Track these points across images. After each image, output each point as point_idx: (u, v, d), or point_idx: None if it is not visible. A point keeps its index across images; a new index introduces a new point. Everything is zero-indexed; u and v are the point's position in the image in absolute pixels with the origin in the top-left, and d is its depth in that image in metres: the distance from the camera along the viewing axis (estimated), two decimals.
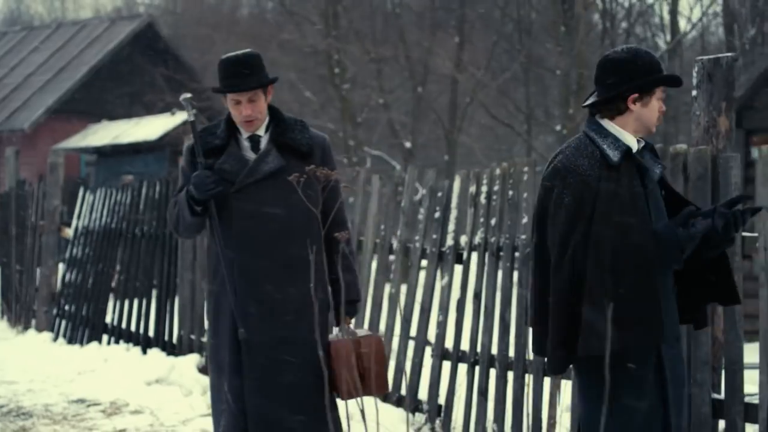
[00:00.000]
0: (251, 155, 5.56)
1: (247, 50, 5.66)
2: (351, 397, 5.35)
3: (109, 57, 30.32)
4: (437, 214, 7.86)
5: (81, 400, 9.32)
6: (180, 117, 23.88)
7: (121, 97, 30.41)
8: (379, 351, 5.51)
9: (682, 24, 31.00)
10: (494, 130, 28.39)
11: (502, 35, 27.67)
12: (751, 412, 5.62)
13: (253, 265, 5.47)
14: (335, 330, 5.64)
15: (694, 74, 5.92)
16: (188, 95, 5.64)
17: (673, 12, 28.81)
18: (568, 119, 21.97)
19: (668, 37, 29.22)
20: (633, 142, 4.65)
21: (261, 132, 5.59)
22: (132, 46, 31.06)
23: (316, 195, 5.46)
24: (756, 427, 5.62)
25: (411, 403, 7.86)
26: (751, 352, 6.07)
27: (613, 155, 4.55)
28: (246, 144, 5.59)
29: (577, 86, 21.97)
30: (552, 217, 4.56)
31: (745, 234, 5.69)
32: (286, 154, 5.54)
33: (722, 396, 5.71)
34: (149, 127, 24.33)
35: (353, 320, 5.77)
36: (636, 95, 4.68)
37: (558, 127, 23.15)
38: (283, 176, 5.35)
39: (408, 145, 26.67)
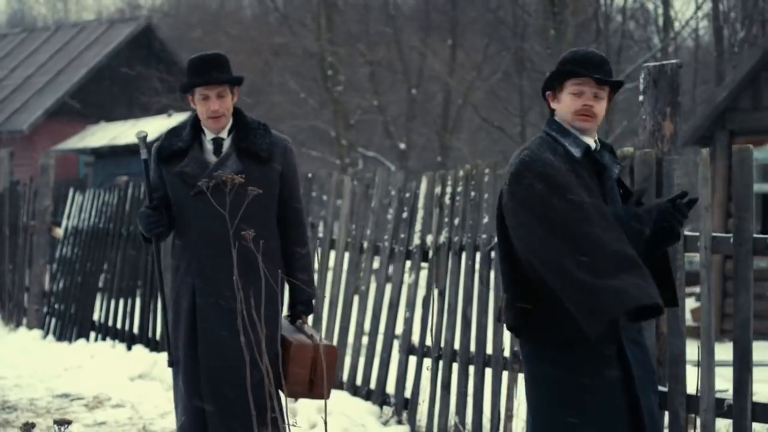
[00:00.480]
0: (212, 158, 5.74)
1: (217, 51, 5.92)
2: (295, 396, 5.63)
3: (107, 59, 30.58)
4: (405, 215, 8.12)
5: (65, 395, 9.60)
6: (176, 118, 24.14)
7: (119, 99, 30.66)
8: (332, 360, 5.70)
9: (677, 25, 31.20)
10: (489, 132, 28.65)
11: (495, 38, 27.90)
12: (692, 404, 5.89)
13: (210, 266, 5.67)
14: (285, 324, 5.84)
15: (641, 80, 6.18)
16: (143, 133, 5.80)
17: (666, 13, 29.05)
18: None
19: (661, 37, 29.47)
20: (590, 141, 4.69)
21: (224, 135, 5.75)
22: (130, 48, 31.32)
23: (273, 199, 5.75)
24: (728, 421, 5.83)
25: (379, 397, 8.14)
26: (760, 351, 6.26)
27: (575, 151, 4.63)
28: (209, 147, 5.76)
29: None
30: (522, 203, 4.52)
31: (687, 233, 5.96)
32: (246, 159, 5.71)
33: (666, 388, 5.97)
34: (146, 129, 24.45)
35: (309, 318, 5.97)
36: (549, 92, 4.76)
37: None
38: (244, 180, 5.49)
39: (402, 146, 26.95)
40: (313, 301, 6.01)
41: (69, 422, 2.97)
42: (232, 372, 5.59)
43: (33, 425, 2.81)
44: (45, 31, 34.47)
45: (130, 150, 23.83)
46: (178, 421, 5.84)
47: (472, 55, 27.70)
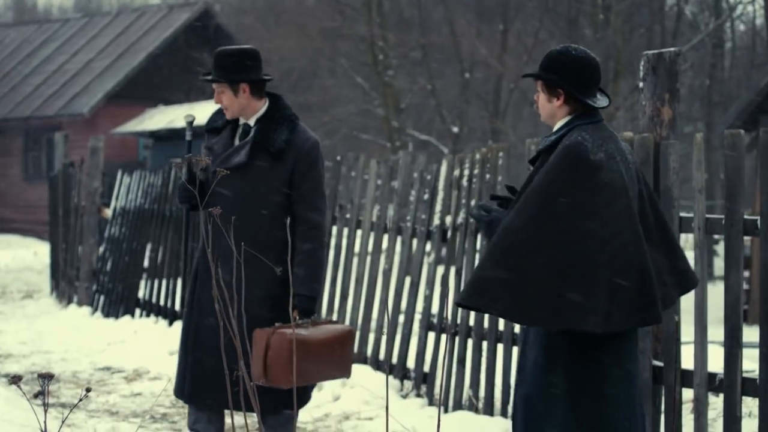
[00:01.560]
0: (237, 142, 6.09)
1: (244, 46, 6.28)
2: (256, 380, 5.71)
3: (165, 43, 31.12)
4: (426, 196, 8.44)
5: (107, 368, 10.04)
6: None
7: (177, 83, 31.14)
8: (283, 349, 5.77)
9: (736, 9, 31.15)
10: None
11: (546, 22, 27.98)
12: (687, 379, 6.16)
13: (215, 246, 5.81)
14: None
15: (641, 67, 6.46)
16: (191, 117, 6.23)
17: None
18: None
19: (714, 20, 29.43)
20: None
21: (252, 122, 6.07)
22: (188, 32, 31.80)
23: (277, 194, 6.02)
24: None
25: (400, 371, 8.48)
26: None
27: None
28: (240, 131, 6.11)
29: (614, 74, 22.40)
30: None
31: (682, 215, 6.24)
32: (259, 151, 6.00)
33: (661, 363, 6.25)
34: (202, 112, 24.89)
35: (297, 312, 6.04)
36: None
37: None
38: (249, 171, 5.96)
39: (455, 130, 27.15)
40: (310, 299, 6.07)
41: (51, 375, 3.29)
42: (212, 346, 5.90)
43: (20, 378, 3.12)
44: (106, 16, 35.07)
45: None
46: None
47: (524, 39, 27.84)
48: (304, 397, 6.21)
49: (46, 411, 3.33)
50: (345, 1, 27.45)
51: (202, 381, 6.05)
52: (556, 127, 4.84)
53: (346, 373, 6.15)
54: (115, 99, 29.73)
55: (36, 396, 3.22)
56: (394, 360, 8.62)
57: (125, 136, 28.59)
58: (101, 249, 13.47)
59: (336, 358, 6.00)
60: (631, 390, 4.80)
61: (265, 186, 5.99)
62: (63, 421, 3.69)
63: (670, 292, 4.89)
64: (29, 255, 23.98)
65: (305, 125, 6.20)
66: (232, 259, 5.92)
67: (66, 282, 14.28)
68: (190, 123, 6.24)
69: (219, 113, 6.20)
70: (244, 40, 32.70)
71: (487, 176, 7.74)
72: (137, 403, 8.61)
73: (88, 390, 3.32)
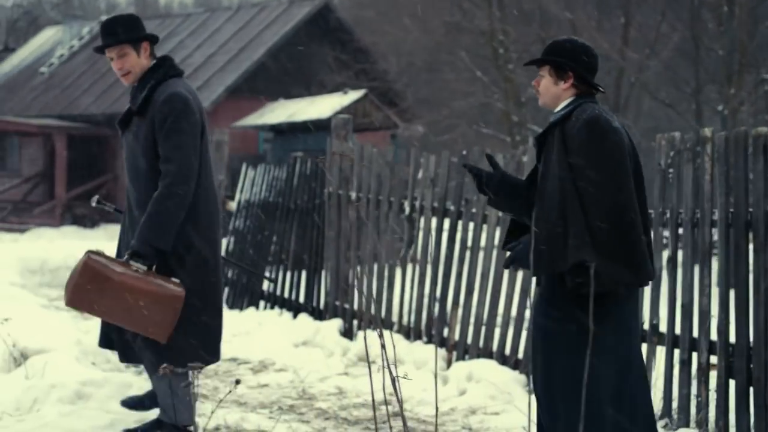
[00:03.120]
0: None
1: (116, 14, 6.66)
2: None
3: (286, 38, 31.36)
4: None
5: (233, 359, 10.17)
6: (351, 96, 24.72)
7: (296, 77, 31.38)
8: (82, 268, 6.20)
9: None
10: (662, 110, 28.40)
11: (668, 15, 27.62)
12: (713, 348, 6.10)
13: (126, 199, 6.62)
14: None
15: None
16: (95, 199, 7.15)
17: None
18: (729, 99, 22.05)
19: None
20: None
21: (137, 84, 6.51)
22: (308, 27, 32.00)
23: (146, 152, 6.35)
24: None
25: (526, 366, 8.45)
26: None
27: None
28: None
29: (738, 67, 22.03)
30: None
31: None
32: (131, 113, 6.45)
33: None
34: (322, 106, 25.17)
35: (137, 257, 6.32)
36: None
37: (720, 107, 23.19)
38: (128, 133, 6.45)
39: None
40: (146, 245, 6.27)
41: (201, 366, 3.37)
42: None
43: (238, 381, 3.21)
44: (227, 11, 35.49)
45: (307, 127, 24.40)
46: None
47: (645, 32, 27.51)
48: (185, 353, 6.31)
49: (194, 402, 3.40)
50: None
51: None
52: (560, 107, 5.28)
53: (160, 335, 6.25)
54: (236, 93, 30.05)
55: (186, 386, 3.29)
56: (520, 355, 8.60)
57: (245, 130, 28.88)
58: (225, 241, 13.64)
59: (143, 311, 6.16)
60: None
61: (139, 146, 6.34)
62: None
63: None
64: None
65: (185, 82, 6.52)
66: (129, 222, 6.57)
67: None
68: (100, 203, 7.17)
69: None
70: (364, 34, 32.85)
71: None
72: (264, 395, 8.71)
73: (238, 382, 3.40)
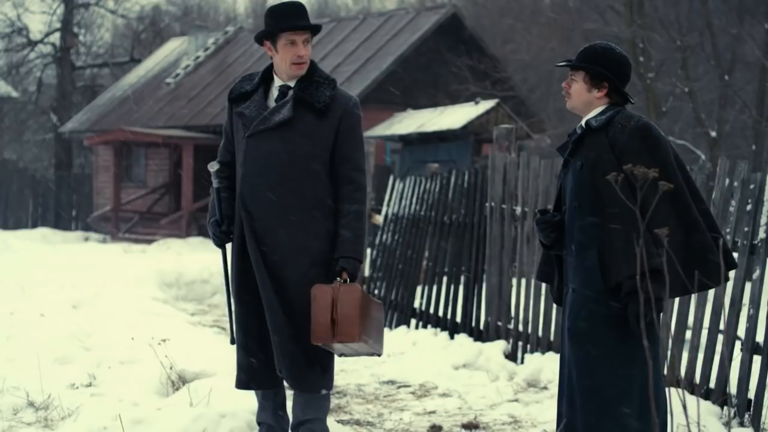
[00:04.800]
0: (273, 104, 5.98)
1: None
2: (320, 341, 5.72)
3: (413, 47, 30.90)
4: (749, 207, 7.75)
5: (391, 382, 9.66)
6: (484, 106, 24.17)
7: (424, 87, 30.94)
8: (354, 299, 5.71)
9: None
10: None
11: None
12: None
13: (253, 206, 5.91)
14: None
15: None
16: (215, 167, 6.04)
17: None
18: None
19: None
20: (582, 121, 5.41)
21: (292, 83, 5.98)
22: (436, 36, 31.53)
23: (323, 152, 5.90)
24: None
25: (719, 396, 7.80)
26: None
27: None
28: (275, 93, 6.02)
29: None
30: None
31: None
32: (302, 108, 5.89)
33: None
34: (453, 116, 24.66)
35: (346, 275, 5.91)
36: None
37: None
38: (292, 128, 5.85)
39: (713, 134, 26.10)
40: (356, 261, 5.95)
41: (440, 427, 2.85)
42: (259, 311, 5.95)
43: (440, 428, 2.69)
44: (353, 21, 35.16)
45: (438, 137, 24.00)
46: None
47: None
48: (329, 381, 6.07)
49: None
50: (607, 2, 26.77)
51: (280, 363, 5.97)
52: (592, 114, 5.29)
53: (381, 349, 6.08)
54: (364, 103, 29.46)
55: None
56: (712, 384, 7.95)
57: (374, 140, 28.50)
58: (371, 256, 13.19)
59: (378, 326, 5.99)
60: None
61: (311, 143, 5.88)
62: None
63: None
64: None
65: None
66: (278, 223, 5.86)
67: None
68: (216, 172, 6.06)
69: (245, 80, 6.11)
70: (499, 43, 32.30)
71: None
72: (433, 422, 8.17)
73: None
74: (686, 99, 26.13)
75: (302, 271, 5.85)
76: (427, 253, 11.97)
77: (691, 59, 26.96)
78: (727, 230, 7.91)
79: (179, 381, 7.94)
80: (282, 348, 5.86)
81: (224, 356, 8.55)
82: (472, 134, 23.04)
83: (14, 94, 45.69)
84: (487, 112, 23.59)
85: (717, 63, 25.98)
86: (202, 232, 30.00)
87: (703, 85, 28.36)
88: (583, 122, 5.37)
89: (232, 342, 6.15)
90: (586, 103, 5.35)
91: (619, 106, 5.33)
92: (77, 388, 8.21)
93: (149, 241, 28.88)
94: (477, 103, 24.71)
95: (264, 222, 5.89)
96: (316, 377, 5.97)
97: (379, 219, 13.27)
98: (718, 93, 27.17)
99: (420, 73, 31.26)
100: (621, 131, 5.13)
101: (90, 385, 8.30)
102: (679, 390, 8.08)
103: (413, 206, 12.28)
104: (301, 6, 6.01)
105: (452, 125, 23.70)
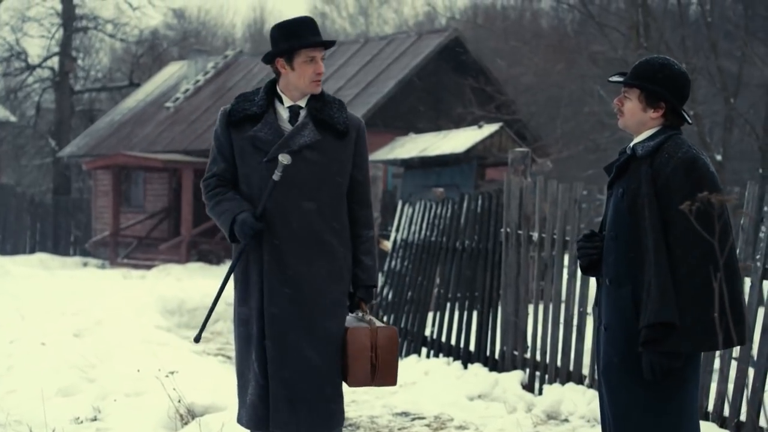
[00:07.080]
0: (287, 126, 5.65)
1: (306, 15, 5.81)
2: (358, 385, 5.46)
3: (415, 71, 30.68)
4: None
5: (405, 413, 9.35)
6: (487, 130, 23.93)
7: (426, 110, 30.74)
8: (393, 344, 5.47)
9: None
10: None
11: None
12: None
13: (279, 236, 5.53)
14: (350, 315, 5.68)
15: None
16: (287, 158, 5.55)
17: None
18: None
19: None
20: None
21: (302, 103, 5.68)
22: (438, 59, 31.34)
23: (346, 175, 5.64)
24: None
25: (750, 430, 7.50)
26: None
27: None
28: (284, 115, 5.68)
29: None
30: None
31: None
32: (322, 130, 5.60)
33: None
34: (456, 140, 24.45)
35: (367, 306, 5.74)
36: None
37: None
38: (317, 150, 5.54)
39: (719, 157, 25.86)
40: (374, 290, 5.74)
41: None
42: (295, 355, 5.50)
43: None
44: (354, 44, 34.97)
45: (440, 161, 23.79)
46: (243, 395, 5.71)
47: None
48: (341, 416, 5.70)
49: None
50: (611, 25, 26.57)
51: (291, 405, 5.51)
52: (644, 136, 4.97)
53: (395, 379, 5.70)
54: (365, 127, 29.40)
55: None
56: (743, 417, 7.65)
57: (375, 164, 28.25)
58: (381, 282, 12.91)
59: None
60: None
61: (337, 165, 5.60)
62: None
63: None
64: None
65: None
66: (309, 251, 5.52)
67: None
68: (282, 164, 5.61)
69: (244, 101, 5.72)
70: (501, 66, 32.06)
71: None
72: None
73: None
74: (691, 122, 25.91)
75: (337, 301, 5.56)
76: (438, 280, 11.67)
77: (697, 82, 26.76)
78: (757, 257, 7.63)
79: (188, 415, 7.65)
80: (298, 393, 5.48)
81: (234, 388, 8.24)
82: (476, 158, 22.82)
83: (12, 118, 45.42)
84: (491, 136, 23.39)
85: (723, 86, 25.78)
86: (201, 258, 29.72)
87: (708, 108, 28.17)
88: (631, 144, 5.04)
89: (196, 340, 5.79)
90: (639, 123, 5.01)
91: (673, 129, 4.97)
92: (82, 422, 7.92)
93: (148, 267, 28.60)
94: (480, 126, 24.51)
95: (296, 250, 5.53)
96: (330, 416, 5.64)
97: (387, 245, 12.98)
98: (723, 116, 26.98)
99: (422, 97, 31.06)
100: (666, 162, 4.79)
101: (95, 419, 8.01)
102: (708, 423, 7.79)
103: (423, 232, 11.99)
104: (314, 21, 5.79)
105: (455, 149, 23.48)
